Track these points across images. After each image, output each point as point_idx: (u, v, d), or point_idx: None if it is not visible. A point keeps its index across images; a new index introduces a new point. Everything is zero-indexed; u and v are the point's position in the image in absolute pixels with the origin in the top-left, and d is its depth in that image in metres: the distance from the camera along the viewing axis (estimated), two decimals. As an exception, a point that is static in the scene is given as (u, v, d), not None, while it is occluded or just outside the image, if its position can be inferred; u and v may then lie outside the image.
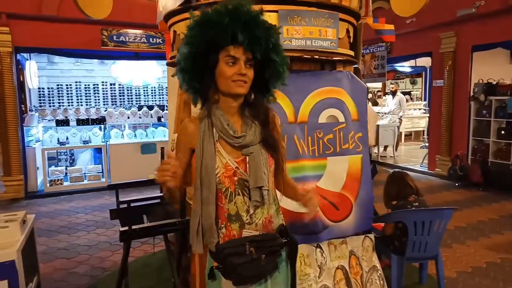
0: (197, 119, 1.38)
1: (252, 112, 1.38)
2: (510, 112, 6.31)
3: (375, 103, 11.79)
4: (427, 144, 8.86)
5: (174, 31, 2.52)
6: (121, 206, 2.52)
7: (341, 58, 2.50)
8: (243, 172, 1.34)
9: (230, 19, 1.24)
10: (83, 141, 7.04)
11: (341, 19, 2.42)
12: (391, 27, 3.26)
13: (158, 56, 7.04)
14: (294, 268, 1.45)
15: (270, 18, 2.18)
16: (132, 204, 2.54)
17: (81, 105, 7.80)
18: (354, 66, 2.72)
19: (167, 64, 2.69)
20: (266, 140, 1.38)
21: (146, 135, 7.53)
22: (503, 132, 6.54)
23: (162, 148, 2.86)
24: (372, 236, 2.65)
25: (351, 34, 2.60)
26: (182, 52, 1.31)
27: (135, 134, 7.47)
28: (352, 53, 2.65)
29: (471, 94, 6.93)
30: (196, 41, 1.27)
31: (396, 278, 2.75)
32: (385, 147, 9.62)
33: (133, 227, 2.17)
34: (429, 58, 8.05)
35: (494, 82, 6.73)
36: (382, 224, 2.97)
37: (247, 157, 1.35)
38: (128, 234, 2.14)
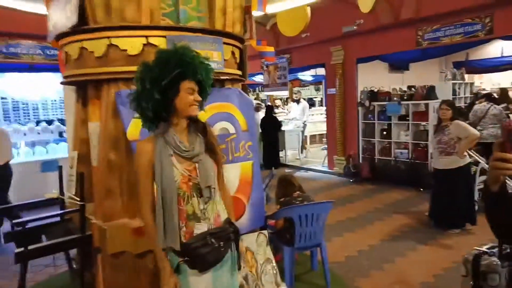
0: (152, 138, 1.69)
1: (194, 127, 1.74)
2: (389, 115, 7.36)
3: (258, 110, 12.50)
4: (326, 146, 9.78)
5: (66, 52, 2.56)
6: (16, 228, 2.47)
7: (228, 77, 2.81)
8: (195, 177, 1.68)
9: (196, 63, 1.64)
10: (-30, 162, 6.34)
11: (225, 43, 2.73)
12: (271, 49, 3.71)
13: (56, 68, 6.67)
14: (238, 248, 1.86)
15: (160, 43, 2.39)
16: (29, 225, 2.50)
17: (-34, 122, 7.03)
18: (241, 83, 3.05)
19: (61, 83, 2.71)
20: (208, 147, 1.75)
21: (47, 152, 7.07)
22: (385, 132, 7.59)
23: (60, 167, 2.84)
24: (265, 232, 2.99)
25: (237, 55, 2.93)
26: (144, 87, 1.59)
27: (33, 152, 6.97)
28: (239, 72, 2.98)
29: (358, 100, 7.90)
30: (164, 77, 1.57)
31: (288, 267, 3.13)
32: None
33: (30, 247, 2.17)
34: (323, 68, 8.95)
35: (376, 90, 7.77)
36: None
37: (197, 164, 1.70)
38: (24, 255, 2.14)
